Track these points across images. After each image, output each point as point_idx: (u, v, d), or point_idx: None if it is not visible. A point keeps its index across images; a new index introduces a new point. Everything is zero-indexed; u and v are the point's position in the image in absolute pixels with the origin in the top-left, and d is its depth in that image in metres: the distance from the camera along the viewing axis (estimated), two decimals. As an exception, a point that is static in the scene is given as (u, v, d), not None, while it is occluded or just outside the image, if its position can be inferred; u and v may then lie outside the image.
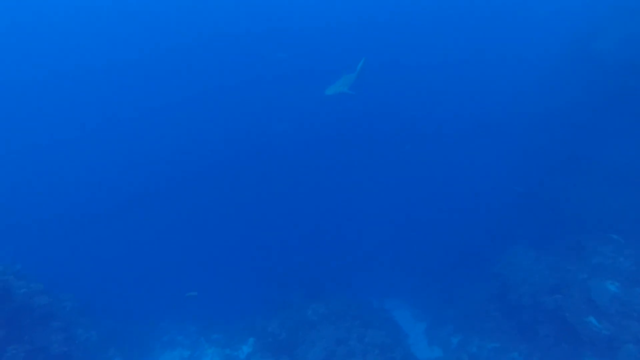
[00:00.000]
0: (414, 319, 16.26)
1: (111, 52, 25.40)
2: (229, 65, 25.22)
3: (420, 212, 19.57)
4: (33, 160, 21.59)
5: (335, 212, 18.95)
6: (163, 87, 24.17)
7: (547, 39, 21.34)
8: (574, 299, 11.61)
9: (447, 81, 24.22)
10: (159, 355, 13.77)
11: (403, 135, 21.72)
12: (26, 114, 23.41)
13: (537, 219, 15.88)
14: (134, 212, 18.97)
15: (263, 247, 17.14)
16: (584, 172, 15.42)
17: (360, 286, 16.82)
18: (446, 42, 26.27)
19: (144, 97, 24.02)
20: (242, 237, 17.62)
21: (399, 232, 18.95)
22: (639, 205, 13.24)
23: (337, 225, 18.54)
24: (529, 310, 12.72)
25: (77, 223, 17.96)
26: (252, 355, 12.88)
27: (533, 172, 17.59)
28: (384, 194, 20.42)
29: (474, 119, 22.10)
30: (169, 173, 20.58)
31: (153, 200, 19.62)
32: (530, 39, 23.40)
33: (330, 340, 12.48)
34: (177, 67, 25.23)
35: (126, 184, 20.27)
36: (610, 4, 17.31)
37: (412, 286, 17.57)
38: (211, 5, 27.21)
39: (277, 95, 22.87)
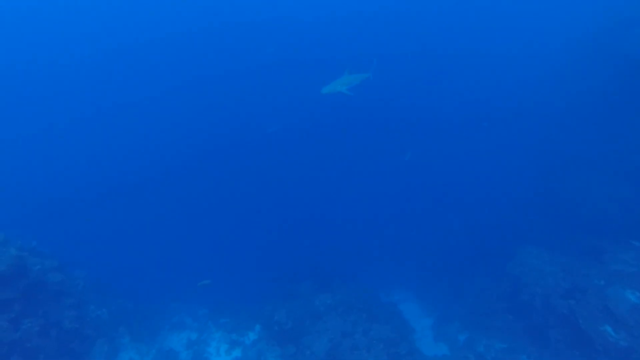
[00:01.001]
0: (421, 313, 16.17)
1: (112, 43, 25.66)
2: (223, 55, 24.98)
3: (432, 205, 19.35)
4: (52, 142, 22.05)
5: (347, 203, 18.86)
6: (158, 76, 24.17)
7: (570, 35, 20.56)
8: (589, 305, 11.29)
9: (461, 76, 23.73)
10: (167, 335, 14.02)
11: (416, 129, 21.39)
12: (44, 100, 23.89)
13: (553, 219, 15.49)
14: (151, 194, 19.24)
15: (274, 236, 17.22)
16: (606, 173, 14.90)
17: (368, 277, 16.79)
18: (460, 35, 25.71)
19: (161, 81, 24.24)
20: (255, 225, 17.71)
21: (410, 225, 18.80)
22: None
23: (348, 216, 18.45)
24: (541, 312, 12.47)
25: (93, 203, 18.34)
26: (258, 342, 13.00)
27: (552, 170, 17.11)
28: (397, 186, 20.22)
29: (492, 114, 21.57)
30: (186, 160, 20.72)
31: (169, 183, 19.85)
32: (552, 34, 22.62)
33: (335, 332, 12.49)
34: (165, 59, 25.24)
35: (144, 166, 20.54)
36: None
37: (421, 279, 17.46)
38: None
39: (279, 88, 22.71)
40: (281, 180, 19.41)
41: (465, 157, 21.22)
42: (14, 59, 24.98)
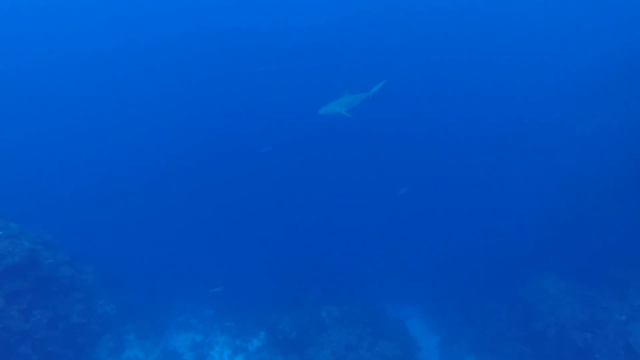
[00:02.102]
0: (428, 330, 15.82)
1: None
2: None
3: (446, 221, 18.94)
4: (69, 138, 22.54)
5: (359, 213, 18.60)
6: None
7: (603, 49, 19.79)
8: (607, 340, 10.82)
9: (485, 90, 23.20)
10: (172, 335, 14.06)
11: (435, 140, 20.97)
12: (63, 96, 24.54)
13: (574, 246, 14.89)
14: (164, 193, 19.38)
15: (284, 242, 17.10)
16: (636, 202, 14.21)
17: (376, 290, 16.55)
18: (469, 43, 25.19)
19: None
20: (266, 230, 17.59)
21: (422, 239, 18.44)
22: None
23: (359, 227, 18.21)
24: (554, 343, 12.01)
25: (107, 199, 18.58)
26: (261, 350, 12.92)
27: (577, 193, 16.47)
28: (412, 199, 19.85)
29: (516, 131, 20.96)
30: (202, 160, 20.79)
31: (183, 184, 19.96)
32: (583, 48, 21.87)
33: (340, 345, 12.31)
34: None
35: (160, 165, 20.72)
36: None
37: (430, 296, 17.10)
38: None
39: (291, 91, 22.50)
40: (294, 188, 19.30)
41: (485, 173, 20.73)
42: (34, 58, 25.83)
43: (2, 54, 26.79)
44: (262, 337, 13.45)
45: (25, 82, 25.20)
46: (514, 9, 27.96)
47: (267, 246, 16.97)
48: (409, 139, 21.58)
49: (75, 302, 11.62)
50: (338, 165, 20.50)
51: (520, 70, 23.84)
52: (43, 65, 26.15)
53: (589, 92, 19.05)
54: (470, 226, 18.62)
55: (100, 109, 23.60)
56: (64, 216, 16.11)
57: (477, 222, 18.69)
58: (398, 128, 22.00)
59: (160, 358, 12.80)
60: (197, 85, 24.76)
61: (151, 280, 15.41)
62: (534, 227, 16.72)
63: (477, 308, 15.41)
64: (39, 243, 11.42)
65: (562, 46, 24.48)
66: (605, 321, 11.21)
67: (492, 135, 21.30)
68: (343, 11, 29.12)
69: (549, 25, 26.51)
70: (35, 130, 22.61)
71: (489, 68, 24.61)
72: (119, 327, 12.78)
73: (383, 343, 12.65)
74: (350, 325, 13.22)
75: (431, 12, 28.79)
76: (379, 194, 19.24)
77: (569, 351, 11.49)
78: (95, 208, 17.88)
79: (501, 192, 18.85)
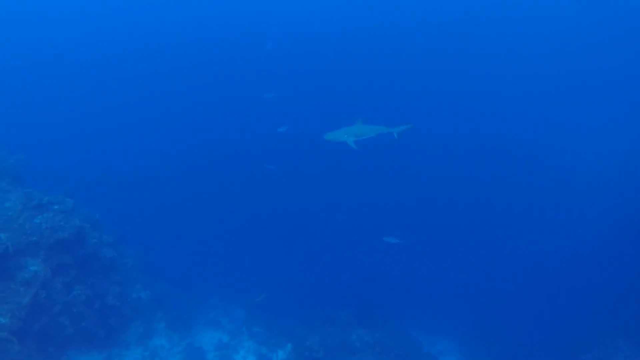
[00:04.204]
0: (463, 373, 14.65)
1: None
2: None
3: (498, 255, 17.61)
4: (126, 119, 23.75)
5: (406, 234, 17.76)
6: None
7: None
8: None
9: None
10: (200, 330, 14.01)
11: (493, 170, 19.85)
12: (115, 80, 26.25)
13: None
14: (213, 194, 19.57)
15: (322, 255, 16.61)
16: None
17: (413, 318, 15.62)
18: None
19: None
20: (307, 244, 17.15)
21: (472, 271, 17.19)
22: None
23: (405, 250, 17.33)
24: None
25: (156, 189, 19.06)
26: (285, 363, 12.51)
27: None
28: (464, 226, 18.78)
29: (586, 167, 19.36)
30: (249, 169, 20.85)
31: (236, 182, 20.05)
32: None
33: (367, 374, 11.63)
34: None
35: (216, 158, 21.08)
36: None
37: (470, 335, 15.84)
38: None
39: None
40: (339, 207, 18.87)
41: (549, 207, 19.24)
42: (101, 51, 27.97)
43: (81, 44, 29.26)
44: (288, 350, 13.02)
45: (86, 69, 27.34)
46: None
47: (307, 259, 16.54)
48: (453, 167, 20.74)
49: (112, 284, 11.85)
50: (384, 188, 19.89)
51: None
52: (107, 56, 28.31)
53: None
54: (526, 264, 17.17)
55: (156, 92, 24.86)
56: (115, 198, 16.71)
57: (534, 259, 17.21)
58: (441, 152, 21.22)
59: (185, 352, 12.73)
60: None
61: (189, 273, 15.53)
62: (609, 278, 14.73)
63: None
64: (88, 222, 11.77)
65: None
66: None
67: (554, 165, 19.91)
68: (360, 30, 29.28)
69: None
70: (99, 108, 24.20)
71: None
72: (151, 314, 12.87)
73: (413, 380, 11.80)
74: (381, 354, 12.49)
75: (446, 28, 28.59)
76: (430, 217, 18.38)
77: None
78: (146, 195, 18.41)
79: (570, 229, 17.23)
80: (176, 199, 18.60)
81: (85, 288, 11.16)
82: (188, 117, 23.79)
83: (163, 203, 18.07)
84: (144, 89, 25.64)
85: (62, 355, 10.70)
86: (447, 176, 20.93)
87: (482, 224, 19.08)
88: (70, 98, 25.10)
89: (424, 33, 29.06)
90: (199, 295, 15.21)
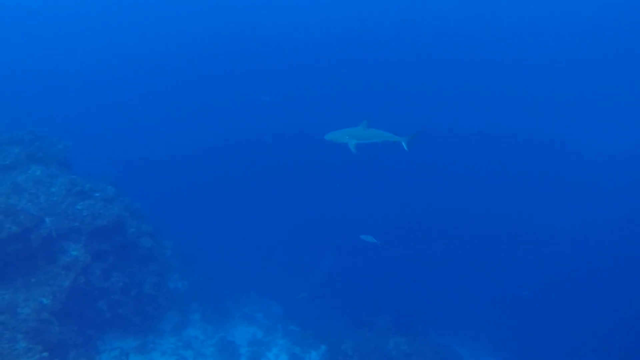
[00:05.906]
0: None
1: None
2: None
3: (550, 274, 16.24)
4: (173, 108, 24.31)
5: (455, 245, 16.77)
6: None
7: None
8: None
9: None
10: (235, 324, 13.86)
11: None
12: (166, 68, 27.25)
13: None
14: (259, 183, 19.47)
15: (364, 258, 15.90)
16: None
17: (454, 331, 14.58)
18: None
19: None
20: (349, 249, 16.61)
21: (523, 290, 16.00)
22: None
23: (452, 260, 16.29)
24: None
25: (199, 181, 19.17)
26: (318, 366, 12.04)
27: None
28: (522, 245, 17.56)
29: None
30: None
31: (277, 182, 19.88)
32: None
33: (403, 385, 10.89)
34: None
35: (255, 155, 21.03)
36: None
37: (514, 353, 14.62)
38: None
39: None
40: (387, 212, 18.17)
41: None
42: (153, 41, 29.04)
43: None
44: (322, 352, 12.52)
45: (132, 58, 28.69)
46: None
47: (348, 258, 15.94)
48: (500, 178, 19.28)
49: (150, 273, 11.94)
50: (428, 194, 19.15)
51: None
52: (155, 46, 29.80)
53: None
54: (584, 288, 15.70)
55: (203, 78, 25.34)
56: (156, 188, 16.97)
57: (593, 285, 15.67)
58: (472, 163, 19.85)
59: (219, 345, 12.63)
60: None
61: (226, 265, 15.46)
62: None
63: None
64: (128, 210, 11.91)
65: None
66: None
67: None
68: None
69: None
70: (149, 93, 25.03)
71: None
72: (186, 305, 12.92)
73: (452, 396, 10.91)
74: (419, 365, 11.70)
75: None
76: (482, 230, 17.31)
77: None
78: (187, 186, 18.59)
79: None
80: (219, 191, 18.62)
81: (123, 276, 11.31)
82: (230, 111, 24.00)
83: (205, 196, 18.16)
84: (176, 79, 26.59)
85: (99, 339, 10.95)
86: (485, 184, 20.28)
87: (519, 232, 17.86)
88: (120, 86, 26.27)
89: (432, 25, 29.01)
90: (236, 288, 15.11)
